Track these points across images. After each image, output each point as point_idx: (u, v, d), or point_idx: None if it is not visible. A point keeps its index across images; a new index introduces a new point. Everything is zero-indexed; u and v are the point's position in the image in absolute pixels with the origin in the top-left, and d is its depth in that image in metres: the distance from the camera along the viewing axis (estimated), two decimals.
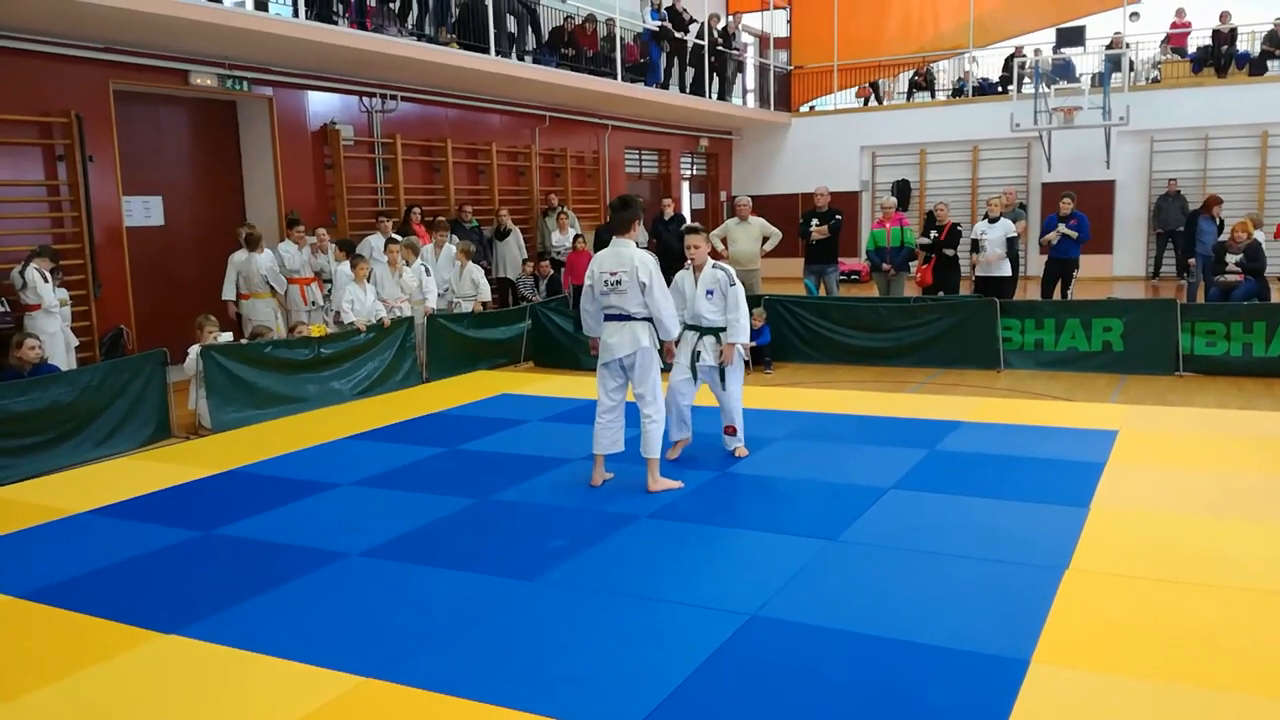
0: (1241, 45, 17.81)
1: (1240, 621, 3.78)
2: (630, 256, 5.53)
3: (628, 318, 5.58)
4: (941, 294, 11.09)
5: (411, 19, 11.46)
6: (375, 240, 10.70)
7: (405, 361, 9.61)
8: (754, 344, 9.89)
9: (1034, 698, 3.22)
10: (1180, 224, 15.30)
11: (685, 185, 19.67)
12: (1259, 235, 10.75)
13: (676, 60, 16.45)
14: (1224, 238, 10.93)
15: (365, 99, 12.11)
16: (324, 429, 7.67)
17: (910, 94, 20.29)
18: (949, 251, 11.32)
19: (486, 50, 11.84)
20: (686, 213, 18.35)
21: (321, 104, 11.62)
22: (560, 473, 6.21)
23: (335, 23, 10.07)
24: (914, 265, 11.68)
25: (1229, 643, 3.60)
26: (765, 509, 5.35)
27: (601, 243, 12.91)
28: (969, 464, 6.12)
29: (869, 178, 19.91)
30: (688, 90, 16.72)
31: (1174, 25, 18.62)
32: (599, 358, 5.75)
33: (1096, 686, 3.30)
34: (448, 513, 5.44)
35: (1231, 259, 10.34)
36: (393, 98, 12.33)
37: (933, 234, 11.43)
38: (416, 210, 11.74)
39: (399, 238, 10.66)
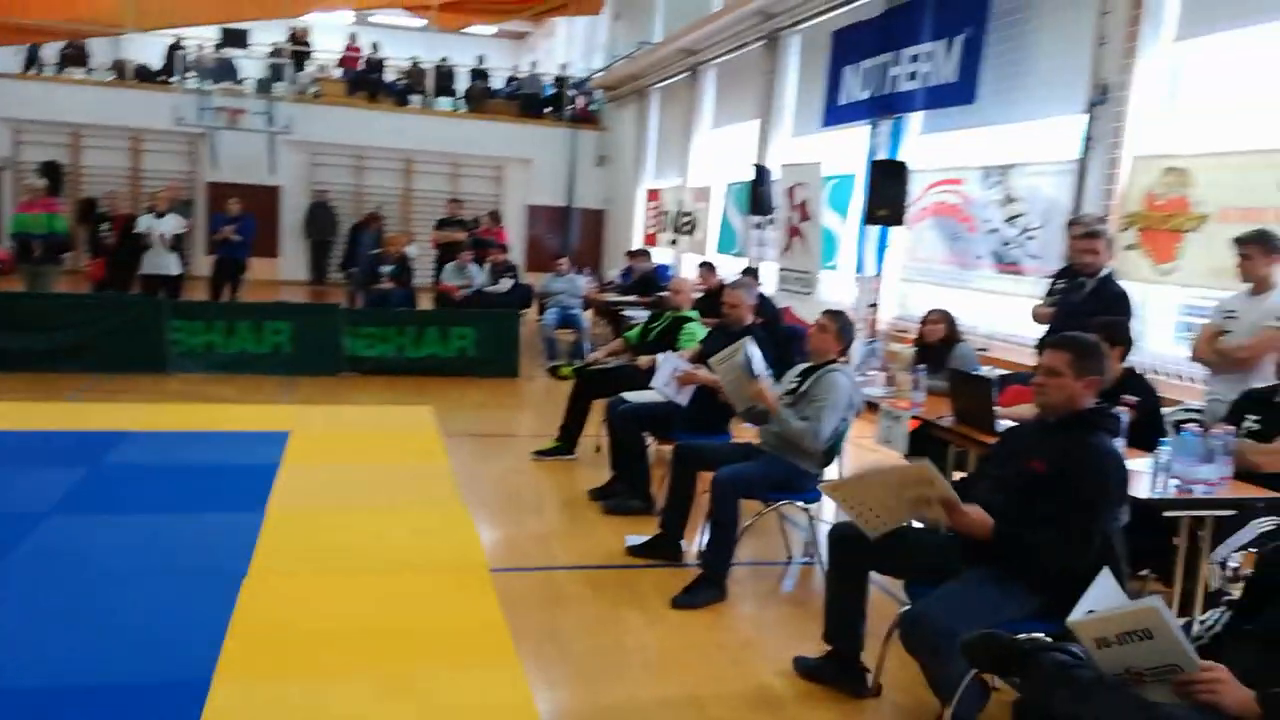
0: (390, 77, 19.91)
1: (409, 601, 4.13)
2: None
3: None
4: (109, 291, 10.22)
5: None
6: None
7: None
8: None
9: None
10: (331, 233, 16.98)
11: None
12: (410, 250, 12.16)
13: None
14: (378, 250, 12.07)
15: None
16: None
17: (62, 67, 18.22)
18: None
19: None
20: None
21: None
22: None
23: None
24: (67, 256, 10.56)
25: (406, 623, 3.90)
26: None
27: None
28: (141, 477, 5.72)
29: (11, 154, 17.40)
30: None
31: (349, 49, 20.14)
32: None
33: (277, 694, 3.30)
34: None
35: (385, 269, 11.47)
36: None
37: (105, 227, 10.50)
38: None
39: None
